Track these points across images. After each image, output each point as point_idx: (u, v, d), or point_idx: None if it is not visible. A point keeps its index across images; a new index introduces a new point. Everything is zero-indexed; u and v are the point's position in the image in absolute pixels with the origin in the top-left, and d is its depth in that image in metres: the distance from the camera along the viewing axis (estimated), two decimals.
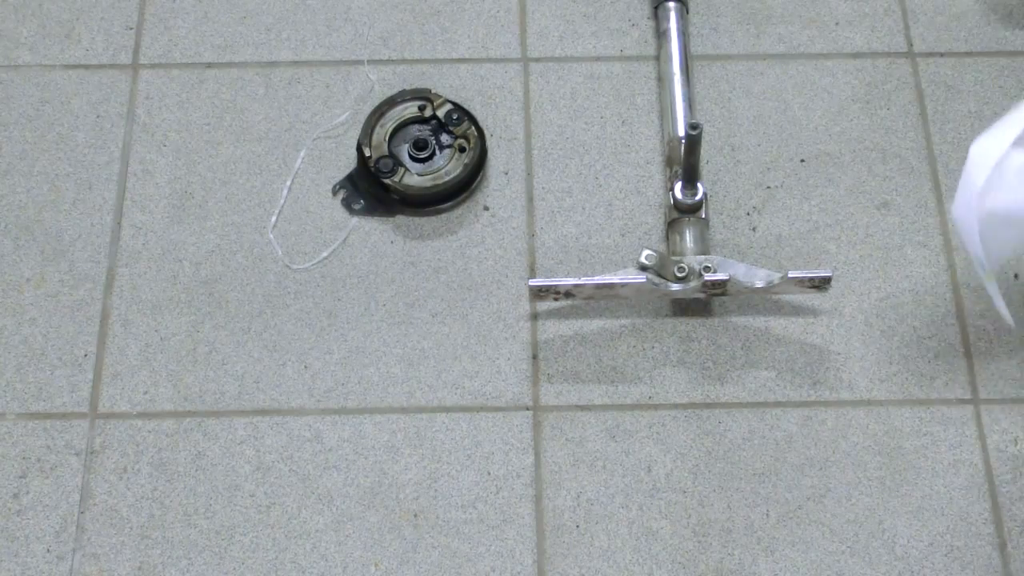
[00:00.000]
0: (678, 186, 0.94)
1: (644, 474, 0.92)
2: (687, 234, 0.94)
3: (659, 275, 0.91)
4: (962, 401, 0.95)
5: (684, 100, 1.01)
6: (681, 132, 0.99)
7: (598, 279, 0.91)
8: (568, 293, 0.92)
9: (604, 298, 0.95)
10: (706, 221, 0.96)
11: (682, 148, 0.91)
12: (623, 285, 0.91)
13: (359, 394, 0.95)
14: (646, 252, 0.90)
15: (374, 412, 0.94)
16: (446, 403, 0.95)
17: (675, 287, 0.91)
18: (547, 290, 0.92)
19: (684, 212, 0.95)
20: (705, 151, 1.03)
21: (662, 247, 0.99)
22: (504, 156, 1.05)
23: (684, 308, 0.98)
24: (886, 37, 1.10)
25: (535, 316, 0.98)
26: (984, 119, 1.06)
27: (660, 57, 1.05)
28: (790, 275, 0.90)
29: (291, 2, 1.12)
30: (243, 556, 0.89)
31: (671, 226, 0.96)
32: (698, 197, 0.94)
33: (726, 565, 0.89)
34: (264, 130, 1.06)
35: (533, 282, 0.92)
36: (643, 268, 0.90)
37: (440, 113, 1.03)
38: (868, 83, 1.08)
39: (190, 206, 1.02)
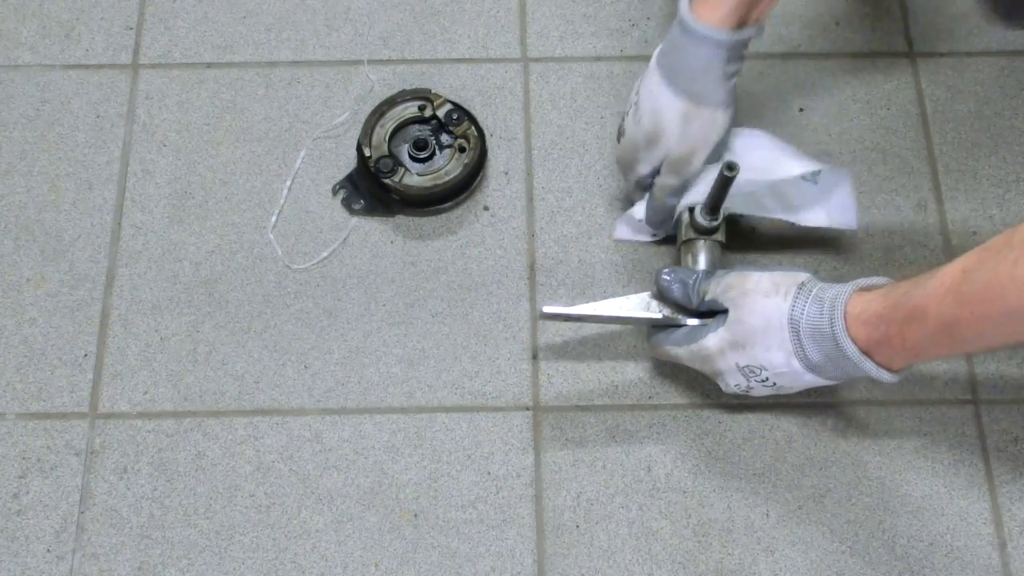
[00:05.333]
0: (698, 209, 0.92)
1: (644, 474, 0.92)
2: (701, 256, 0.92)
3: (674, 313, 0.89)
4: (962, 401, 0.95)
5: None
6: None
7: (611, 312, 0.90)
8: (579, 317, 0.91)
9: (613, 323, 0.94)
10: (721, 244, 0.93)
11: (714, 183, 0.88)
12: (637, 319, 0.90)
13: (359, 394, 0.95)
14: (664, 313, 0.89)
15: (374, 412, 0.94)
16: (446, 403, 0.95)
17: (691, 321, 0.88)
18: (557, 317, 0.91)
19: (702, 234, 0.93)
20: None
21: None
22: (504, 156, 1.05)
23: None
24: (886, 37, 1.10)
25: (535, 316, 0.98)
26: (984, 119, 1.06)
27: None
28: None
29: (291, 2, 1.12)
30: (243, 556, 0.89)
31: (686, 245, 0.93)
32: (717, 222, 0.92)
33: (726, 565, 0.89)
34: (264, 130, 1.06)
35: (547, 309, 0.89)
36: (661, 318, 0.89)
37: (440, 113, 1.03)
38: (868, 83, 1.08)
39: (190, 206, 1.02)
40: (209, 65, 1.09)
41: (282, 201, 1.03)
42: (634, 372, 0.96)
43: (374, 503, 0.91)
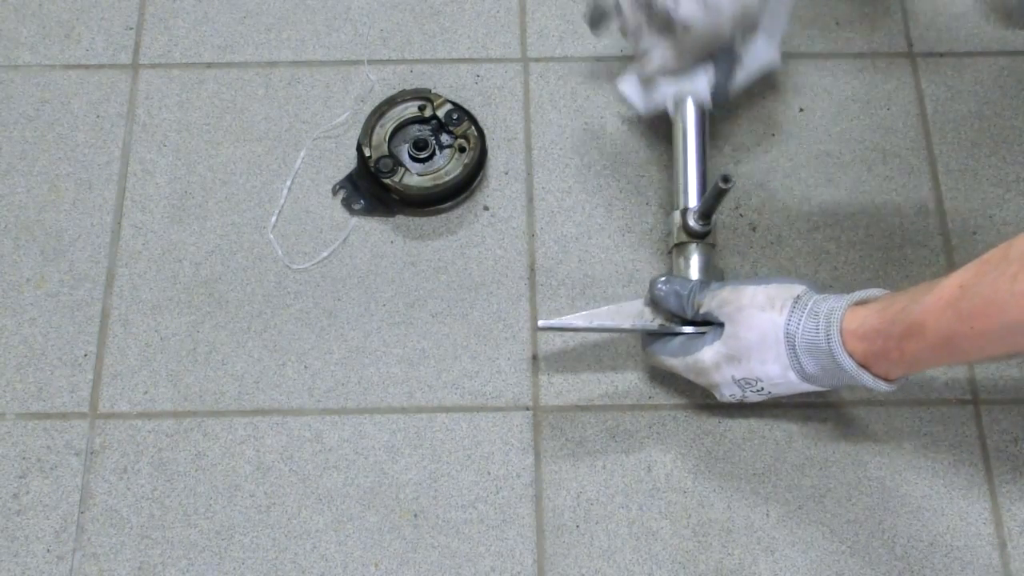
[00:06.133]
0: (691, 214, 0.92)
1: (644, 474, 0.92)
2: (693, 260, 0.92)
3: (669, 321, 0.89)
4: (962, 401, 0.95)
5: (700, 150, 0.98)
6: (692, 159, 0.97)
7: (607, 323, 0.89)
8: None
9: (609, 332, 0.94)
10: (713, 247, 0.93)
11: (710, 192, 0.89)
12: (632, 329, 0.90)
13: (359, 394, 0.95)
14: (658, 322, 0.89)
15: (374, 412, 0.94)
16: (446, 403, 0.95)
17: (687, 329, 0.89)
18: (553, 329, 0.91)
19: (694, 238, 0.93)
20: None
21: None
22: (504, 156, 1.05)
23: None
24: (886, 37, 1.10)
25: (535, 316, 0.98)
26: (984, 119, 1.06)
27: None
28: None
29: (291, 2, 1.12)
30: (243, 556, 0.89)
31: (678, 249, 0.93)
32: (710, 227, 0.92)
33: (726, 565, 0.89)
34: (264, 130, 1.06)
35: (543, 323, 0.90)
36: (655, 325, 0.89)
37: (440, 113, 1.03)
38: (868, 83, 1.08)
39: (190, 206, 1.02)
40: (209, 65, 1.09)
41: (282, 201, 1.03)
42: (634, 372, 0.96)
43: (374, 503, 0.91)
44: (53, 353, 0.96)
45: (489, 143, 1.04)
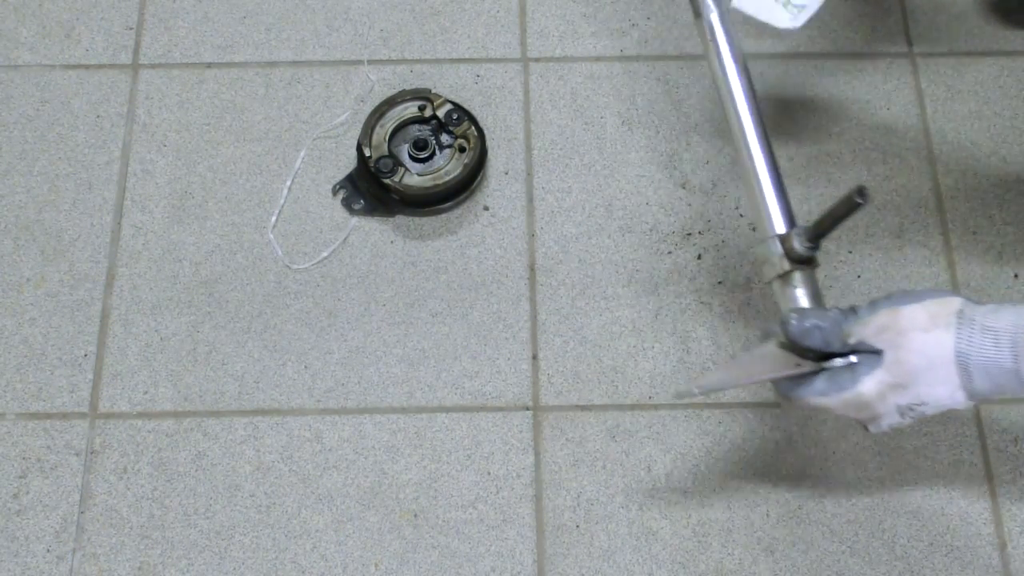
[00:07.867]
0: (797, 237, 0.79)
1: (644, 474, 0.92)
2: (800, 290, 0.80)
3: (803, 357, 0.78)
4: None
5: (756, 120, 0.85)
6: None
7: (758, 376, 0.79)
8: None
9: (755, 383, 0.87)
10: (814, 272, 0.81)
11: (837, 208, 0.76)
12: (787, 375, 0.78)
13: (359, 394, 0.95)
14: (801, 363, 0.77)
15: (374, 412, 0.94)
16: (446, 403, 0.95)
17: (838, 362, 0.77)
18: (710, 391, 0.83)
19: (799, 264, 0.80)
20: (704, 151, 1.03)
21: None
22: (504, 156, 1.05)
23: (684, 308, 0.98)
24: (886, 37, 1.10)
25: (535, 316, 0.98)
26: (984, 119, 1.06)
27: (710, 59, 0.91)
28: None
29: (291, 2, 1.12)
30: (243, 556, 0.89)
31: (783, 279, 0.80)
32: (818, 250, 0.80)
33: (726, 565, 0.89)
34: (264, 130, 1.06)
35: (698, 389, 0.78)
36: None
37: (440, 113, 1.03)
38: (868, 83, 1.08)
39: (190, 206, 1.02)
40: (209, 65, 1.09)
41: (282, 201, 1.03)
42: (634, 372, 0.96)
43: (374, 503, 0.91)
44: (53, 353, 0.96)
45: (489, 143, 1.04)
